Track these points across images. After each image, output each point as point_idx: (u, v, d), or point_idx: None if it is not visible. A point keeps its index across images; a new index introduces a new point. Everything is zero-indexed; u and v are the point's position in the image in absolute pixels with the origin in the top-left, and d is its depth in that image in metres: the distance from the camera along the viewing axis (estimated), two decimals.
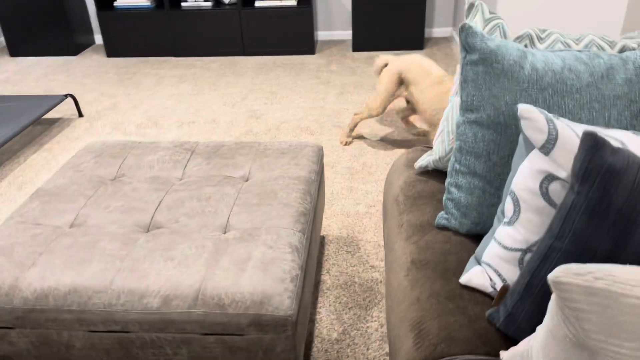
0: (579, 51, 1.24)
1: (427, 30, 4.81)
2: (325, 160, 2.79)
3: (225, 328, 1.25)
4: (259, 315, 1.23)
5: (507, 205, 1.11)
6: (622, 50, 1.36)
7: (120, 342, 1.29)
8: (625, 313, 0.65)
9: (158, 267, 1.32)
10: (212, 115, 3.39)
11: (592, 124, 1.17)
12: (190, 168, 1.79)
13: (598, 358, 0.68)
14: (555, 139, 1.02)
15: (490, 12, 1.49)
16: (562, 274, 0.67)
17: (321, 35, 4.88)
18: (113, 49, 4.61)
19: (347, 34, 4.85)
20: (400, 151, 2.83)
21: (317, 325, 1.75)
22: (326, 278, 1.96)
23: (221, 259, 1.34)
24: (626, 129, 1.18)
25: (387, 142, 2.94)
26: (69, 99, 3.72)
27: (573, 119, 1.18)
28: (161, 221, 1.51)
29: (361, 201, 2.42)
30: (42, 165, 2.87)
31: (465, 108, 1.26)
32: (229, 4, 4.45)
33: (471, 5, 1.53)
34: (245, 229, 1.47)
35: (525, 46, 1.40)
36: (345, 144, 2.94)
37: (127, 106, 3.59)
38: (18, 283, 1.29)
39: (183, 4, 4.44)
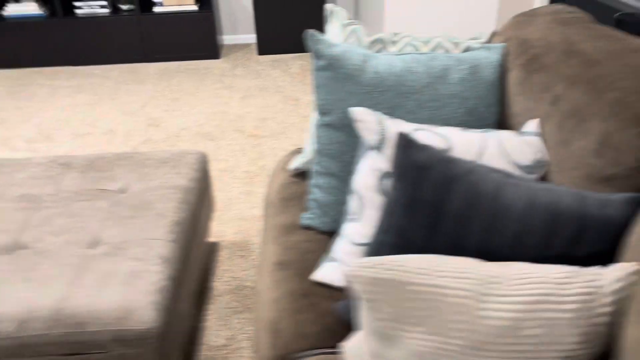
0: (420, 53, 1.32)
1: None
2: (223, 165, 2.78)
3: (86, 347, 1.22)
4: (120, 330, 1.21)
5: (351, 203, 1.16)
6: (466, 50, 1.46)
7: None
8: (410, 299, 0.71)
9: (15, 290, 1.27)
10: (109, 125, 3.28)
11: (430, 122, 1.25)
12: (64, 183, 1.73)
13: (397, 345, 0.73)
14: (386, 139, 1.08)
15: (348, 18, 1.54)
16: (354, 267, 0.72)
17: (226, 39, 4.85)
18: (3, 61, 4.35)
19: (252, 38, 4.85)
20: None
21: (204, 332, 1.75)
22: (217, 284, 1.96)
23: (84, 276, 1.31)
24: (461, 124, 1.27)
25: (289, 144, 2.98)
26: None
27: (415, 118, 1.25)
28: (26, 241, 1.46)
29: (258, 204, 2.44)
30: None
31: (319, 111, 1.31)
32: (127, 10, 4.33)
33: (331, 11, 1.59)
34: (115, 243, 1.44)
35: (379, 50, 1.47)
36: None
37: (17, 120, 3.41)
38: None
39: (77, 11, 4.27)
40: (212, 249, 2.15)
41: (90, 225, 1.51)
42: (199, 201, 1.80)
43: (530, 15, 1.44)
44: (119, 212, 1.56)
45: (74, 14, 4.30)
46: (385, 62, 1.27)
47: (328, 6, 1.60)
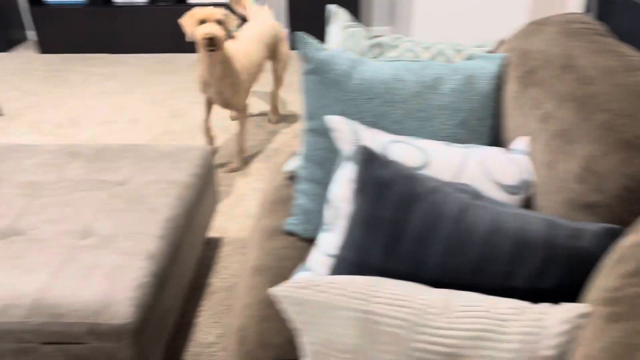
0: (413, 61, 1.28)
1: None
2: (243, 160, 2.79)
3: (64, 337, 1.25)
4: (96, 324, 1.23)
5: (327, 213, 1.13)
6: (469, 59, 1.40)
7: None
8: (340, 325, 0.68)
9: (2, 275, 1.31)
10: (134, 115, 3.35)
11: (418, 133, 1.21)
12: (67, 172, 1.77)
13: None
14: None
15: (349, 21, 1.51)
16: (285, 287, 0.70)
17: None
18: (46, 46, 4.51)
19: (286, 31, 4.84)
20: None
21: (195, 328, 1.76)
22: (214, 281, 1.96)
23: (68, 267, 1.33)
24: (451, 138, 1.22)
25: None
26: None
27: (400, 129, 1.21)
28: (21, 228, 1.50)
29: None
30: None
31: (306, 116, 1.28)
32: (164, 1, 4.39)
33: (333, 13, 1.55)
34: (105, 235, 1.46)
35: (378, 54, 1.43)
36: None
37: (49, 105, 3.52)
38: None
39: (116, 0, 4.37)
40: (213, 245, 2.16)
41: (85, 215, 1.54)
42: (198, 197, 1.81)
43: (540, 24, 1.37)
44: (114, 204, 1.59)
45: (113, 2, 4.40)
46: (373, 69, 1.23)
47: (331, 7, 1.57)
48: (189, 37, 2.33)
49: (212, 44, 2.26)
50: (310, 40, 1.25)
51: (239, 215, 2.34)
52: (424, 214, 0.85)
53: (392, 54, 1.43)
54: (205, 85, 2.49)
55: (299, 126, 3.14)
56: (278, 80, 3.04)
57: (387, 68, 1.24)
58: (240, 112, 2.61)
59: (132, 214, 1.54)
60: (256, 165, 2.74)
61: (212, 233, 2.23)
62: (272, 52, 2.89)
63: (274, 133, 3.09)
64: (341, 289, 0.69)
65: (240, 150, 2.70)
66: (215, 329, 1.75)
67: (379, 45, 1.44)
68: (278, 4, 4.71)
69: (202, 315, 1.81)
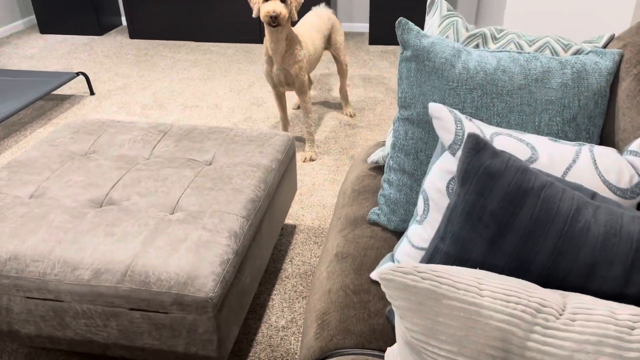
0: (519, 52, 1.21)
1: None
2: (316, 150, 2.80)
3: (150, 305, 1.29)
4: (181, 295, 1.26)
5: (419, 204, 1.10)
6: (576, 54, 1.32)
7: (55, 310, 1.35)
8: (444, 314, 0.65)
9: (97, 242, 1.37)
10: (216, 101, 3.44)
11: (521, 127, 1.15)
12: (158, 149, 1.84)
13: (419, 358, 0.67)
14: (462, 140, 1.00)
15: (449, 10, 1.46)
16: (388, 271, 0.67)
17: (343, 26, 4.86)
18: (136, 31, 4.73)
19: (366, 27, 4.81)
20: None
21: (267, 311, 1.78)
22: (287, 266, 1.98)
23: (158, 238, 1.38)
24: (557, 134, 1.15)
25: (383, 137, 2.93)
26: (82, 77, 3.85)
27: (501, 122, 1.15)
28: (115, 198, 1.57)
29: None
30: None
31: (400, 104, 1.25)
32: None
33: (432, 2, 1.51)
34: (191, 211, 1.50)
35: (477, 45, 1.38)
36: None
37: (138, 87, 3.68)
38: None
39: None
40: (289, 231, 2.18)
41: (174, 191, 1.58)
42: (279, 182, 1.82)
43: None
44: (201, 182, 1.62)
45: None
46: (477, 59, 1.18)
47: None
48: (255, 13, 2.39)
49: (275, 21, 2.30)
50: (412, 26, 1.22)
51: (314, 205, 2.35)
52: (535, 209, 0.80)
53: (494, 46, 1.37)
54: (269, 63, 2.54)
55: (374, 118, 3.11)
56: (342, 71, 3.05)
57: (491, 58, 1.19)
58: (302, 94, 2.63)
59: (218, 192, 1.57)
60: (332, 157, 2.73)
61: (287, 220, 2.25)
62: (328, 42, 2.93)
63: (351, 126, 3.07)
64: (447, 278, 0.66)
65: (310, 137, 2.71)
66: (287, 314, 1.76)
67: (480, 36, 1.38)
68: None
69: (275, 299, 1.83)
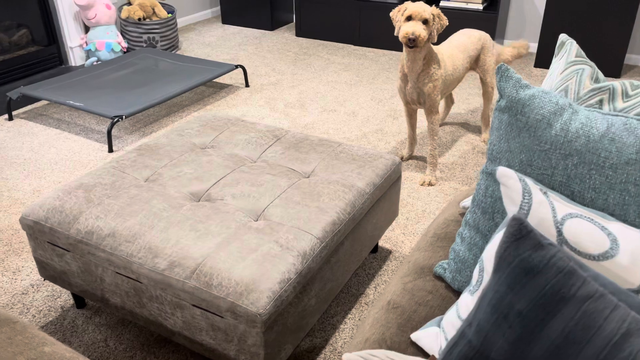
0: (639, 118, 1.01)
1: (627, 57, 4.15)
2: (437, 175, 2.67)
3: (209, 306, 1.36)
4: (235, 304, 1.31)
5: (475, 272, 0.99)
6: None
7: (135, 289, 1.49)
8: None
9: (181, 234, 1.48)
10: (354, 108, 3.47)
11: (621, 210, 0.96)
12: (266, 154, 1.91)
13: None
14: (526, 215, 0.87)
15: (578, 55, 1.29)
16: (357, 353, 0.62)
17: (506, 43, 4.55)
18: (302, 29, 4.97)
19: (534, 47, 4.44)
20: None
21: (336, 333, 1.76)
22: (370, 292, 1.93)
23: (233, 243, 1.44)
24: None
25: None
26: (240, 70, 4.16)
27: (597, 199, 0.98)
28: (212, 195, 1.67)
29: None
30: None
31: (488, 157, 1.14)
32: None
33: (562, 43, 1.34)
34: (272, 222, 1.54)
35: (601, 101, 1.19)
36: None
37: (288, 85, 3.87)
38: (80, 216, 1.58)
39: None
40: (383, 255, 2.12)
41: (264, 198, 1.64)
42: (372, 207, 1.78)
43: None
44: (291, 195, 1.65)
45: None
46: (582, 120, 1.02)
47: (561, 36, 1.35)
48: (396, 32, 2.33)
49: (413, 43, 2.22)
50: (512, 74, 1.09)
51: (417, 233, 2.25)
52: (570, 322, 0.67)
53: (623, 104, 1.17)
54: (403, 80, 2.48)
55: None
56: (487, 95, 2.85)
57: (601, 122, 1.01)
58: (430, 114, 2.51)
59: (303, 208, 1.59)
60: (453, 184, 2.59)
61: (385, 243, 2.19)
62: (476, 63, 2.76)
63: (484, 154, 2.87)
64: None
65: (432, 160, 2.59)
66: None
67: (608, 90, 1.18)
68: (534, 15, 4.34)
69: (348, 322, 1.80)
